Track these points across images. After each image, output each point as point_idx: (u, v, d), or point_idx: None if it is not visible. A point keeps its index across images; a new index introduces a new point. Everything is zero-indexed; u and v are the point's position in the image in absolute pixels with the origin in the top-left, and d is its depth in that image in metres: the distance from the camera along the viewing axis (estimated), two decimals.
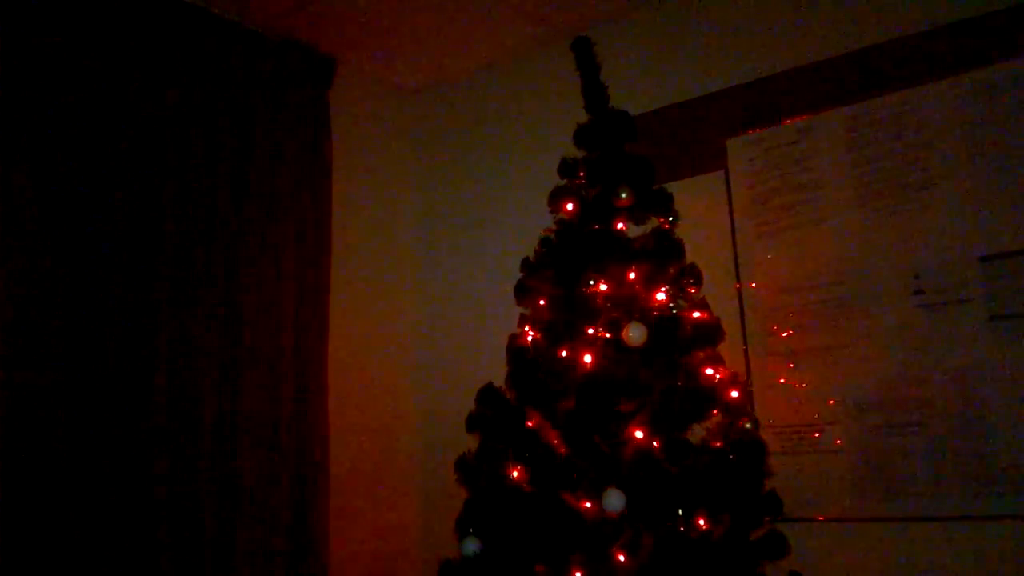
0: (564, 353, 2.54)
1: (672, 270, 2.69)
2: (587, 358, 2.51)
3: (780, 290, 2.92)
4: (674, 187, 3.06)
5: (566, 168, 2.80)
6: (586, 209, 2.74)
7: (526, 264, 2.77)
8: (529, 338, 2.70)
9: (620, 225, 2.74)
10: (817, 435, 2.78)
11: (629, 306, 2.59)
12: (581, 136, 2.80)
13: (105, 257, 2.75)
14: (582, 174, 2.78)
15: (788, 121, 2.97)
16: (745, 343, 2.95)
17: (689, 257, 3.07)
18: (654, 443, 2.47)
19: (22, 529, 2.47)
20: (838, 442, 2.75)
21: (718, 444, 2.55)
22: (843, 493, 2.72)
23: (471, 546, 2.40)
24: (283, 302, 3.16)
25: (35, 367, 2.56)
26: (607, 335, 2.54)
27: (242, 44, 3.22)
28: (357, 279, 3.59)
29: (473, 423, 2.58)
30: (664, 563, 2.34)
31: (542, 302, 2.72)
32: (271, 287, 3.13)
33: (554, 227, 2.75)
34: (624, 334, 2.48)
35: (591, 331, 2.57)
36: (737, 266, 3.01)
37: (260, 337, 3.07)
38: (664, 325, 2.54)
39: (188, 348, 2.87)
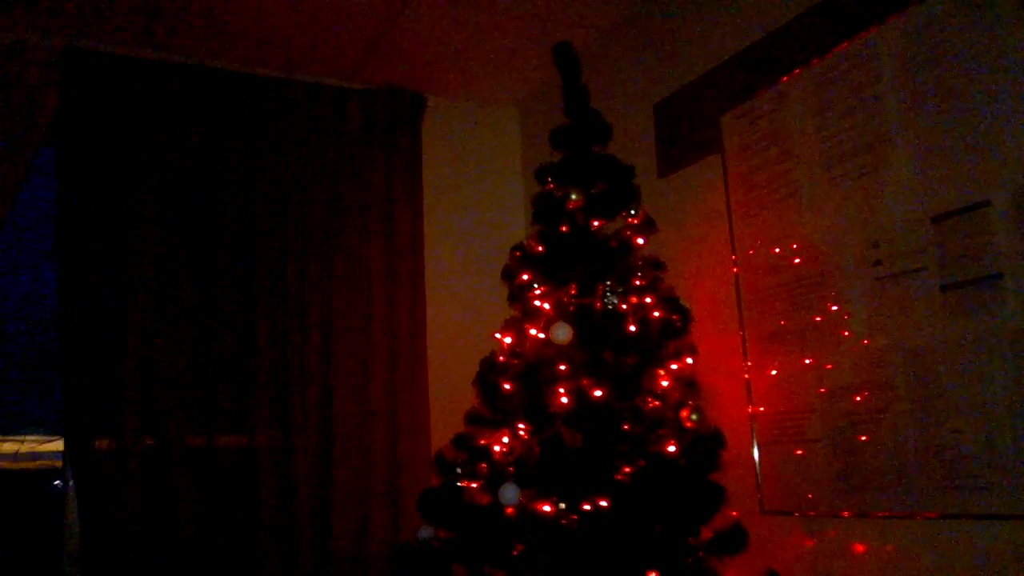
0: (501, 358, 2.70)
1: (620, 265, 2.71)
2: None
3: (766, 271, 2.75)
4: (684, 173, 3.05)
5: (539, 173, 2.93)
6: (554, 213, 2.86)
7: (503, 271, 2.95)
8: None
9: (596, 223, 2.81)
10: (800, 424, 2.60)
11: (565, 307, 2.69)
12: (555, 139, 2.92)
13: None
14: (549, 180, 2.89)
15: (765, 91, 2.78)
16: (742, 328, 2.82)
17: (690, 246, 3.04)
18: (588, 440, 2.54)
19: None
20: (816, 431, 2.55)
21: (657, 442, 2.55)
22: (821, 486, 2.52)
23: (425, 532, 2.68)
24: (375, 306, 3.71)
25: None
26: (542, 335, 2.66)
27: (328, 97, 3.77)
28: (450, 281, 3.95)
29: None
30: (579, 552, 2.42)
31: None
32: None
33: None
34: (549, 333, 2.59)
35: (532, 332, 2.71)
36: (733, 250, 2.88)
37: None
38: (590, 323, 2.60)
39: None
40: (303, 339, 3.57)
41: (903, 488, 2.28)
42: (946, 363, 2.19)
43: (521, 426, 2.65)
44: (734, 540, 2.54)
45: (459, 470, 2.68)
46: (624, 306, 2.66)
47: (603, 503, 2.42)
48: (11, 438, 4.86)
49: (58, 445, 3.46)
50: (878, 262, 2.38)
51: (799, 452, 2.59)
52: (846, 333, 2.47)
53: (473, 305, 3.85)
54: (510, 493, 2.44)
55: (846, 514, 2.45)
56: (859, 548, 2.43)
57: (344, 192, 3.75)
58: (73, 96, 3.35)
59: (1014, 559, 2.01)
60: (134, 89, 3.45)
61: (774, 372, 2.70)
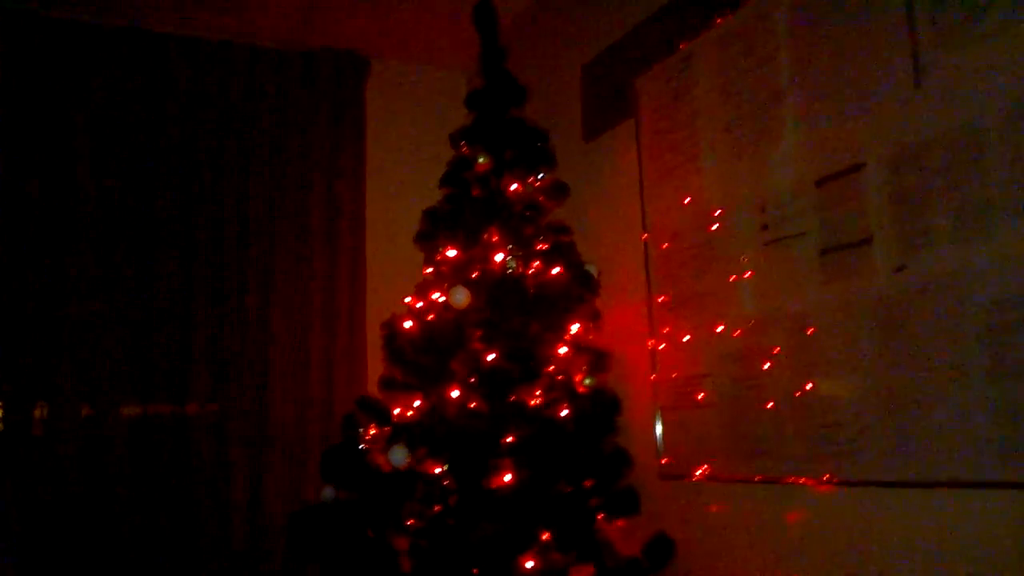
0: (407, 323, 2.70)
1: (529, 230, 2.71)
2: (407, 323, 2.65)
3: (671, 238, 2.73)
4: (606, 138, 3.03)
5: (452, 137, 2.92)
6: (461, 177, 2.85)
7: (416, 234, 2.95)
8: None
9: (517, 187, 2.80)
10: (696, 390, 2.59)
11: (469, 270, 2.69)
12: (470, 101, 2.90)
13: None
14: (462, 143, 2.88)
15: (675, 52, 2.74)
16: (649, 295, 2.81)
17: (607, 212, 3.02)
18: (484, 404, 2.55)
19: None
20: (709, 397, 2.54)
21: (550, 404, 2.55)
22: (713, 451, 2.52)
23: (328, 493, 2.71)
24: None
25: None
26: (443, 299, 2.67)
27: (265, 61, 3.76)
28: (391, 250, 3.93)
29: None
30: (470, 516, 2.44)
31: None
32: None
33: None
34: (448, 296, 2.59)
35: (434, 296, 2.71)
36: (643, 216, 2.86)
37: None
38: (488, 287, 2.60)
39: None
40: (240, 309, 3.59)
41: (784, 453, 2.27)
42: (822, 328, 2.17)
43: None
44: (625, 503, 2.57)
45: (360, 431, 2.70)
46: (527, 271, 2.66)
47: (492, 465, 2.43)
48: None
49: None
50: (765, 227, 2.36)
51: (694, 418, 2.59)
52: (736, 299, 2.45)
53: (415, 274, 3.84)
54: (398, 455, 2.46)
55: (736, 478, 2.44)
56: (747, 513, 2.42)
57: (285, 158, 3.77)
58: (11, 60, 3.37)
59: (883, 525, 2.00)
60: (72, 53, 3.46)
61: (676, 339, 2.68)
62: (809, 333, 2.20)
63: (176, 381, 3.49)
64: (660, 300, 2.75)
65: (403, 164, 4.02)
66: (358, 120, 3.93)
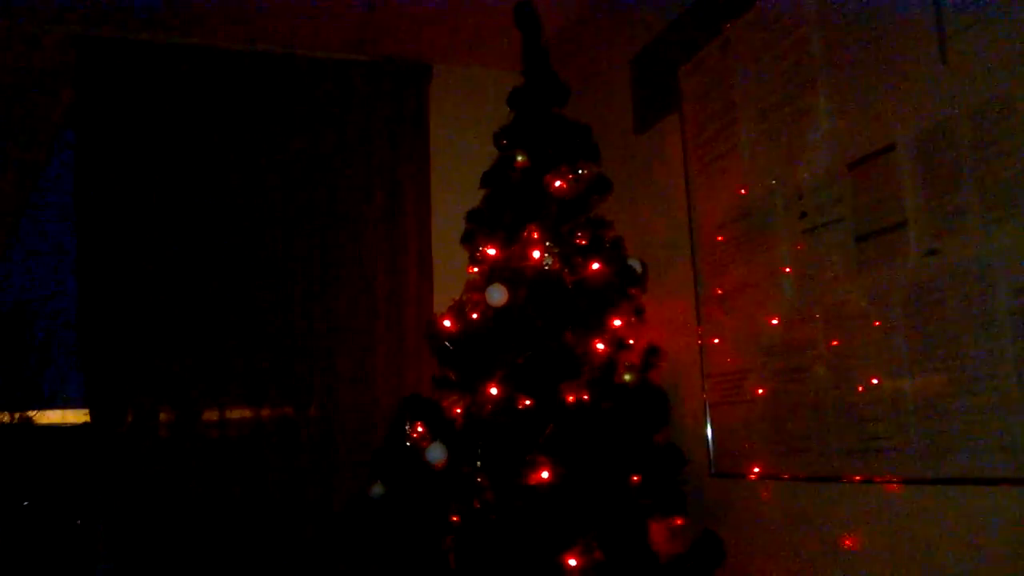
0: (447, 323, 2.73)
1: (568, 226, 2.70)
2: (446, 323, 2.68)
3: (716, 229, 2.67)
4: (656, 130, 3.00)
5: (495, 137, 2.93)
6: (499, 175, 2.86)
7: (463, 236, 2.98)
8: None
9: (558, 184, 2.79)
10: (741, 385, 2.52)
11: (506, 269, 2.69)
12: (512, 100, 2.91)
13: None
14: (504, 142, 2.89)
15: (714, 40, 2.68)
16: (696, 289, 2.75)
17: (656, 205, 2.98)
18: (526, 402, 2.55)
19: None
20: (754, 392, 2.47)
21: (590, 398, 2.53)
22: (758, 447, 2.45)
23: (377, 490, 2.76)
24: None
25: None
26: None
27: (329, 72, 3.87)
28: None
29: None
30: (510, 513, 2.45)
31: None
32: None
33: None
34: (485, 295, 2.61)
35: (476, 295, 2.73)
36: (689, 208, 2.80)
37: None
38: (525, 285, 2.59)
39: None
40: (309, 316, 3.69)
41: (826, 450, 2.18)
42: (858, 318, 2.08)
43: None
44: (671, 501, 2.52)
45: (407, 429, 2.74)
46: (565, 268, 2.64)
47: (528, 462, 2.42)
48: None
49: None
50: (803, 214, 2.27)
51: (741, 414, 2.52)
52: (777, 290, 2.37)
53: None
54: (435, 452, 2.48)
55: (781, 475, 2.36)
56: (793, 511, 2.34)
57: (349, 168, 3.84)
58: (88, 82, 3.57)
59: (924, 523, 1.90)
60: (144, 72, 3.64)
61: (723, 332, 2.62)
62: (844, 324, 2.11)
63: (251, 386, 3.61)
64: (707, 293, 2.69)
65: (467, 166, 3.98)
66: (421, 126, 3.99)
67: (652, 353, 2.69)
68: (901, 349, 1.94)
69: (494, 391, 2.56)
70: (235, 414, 3.63)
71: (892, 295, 1.97)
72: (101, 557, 3.45)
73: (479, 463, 2.45)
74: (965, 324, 1.78)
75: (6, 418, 5.50)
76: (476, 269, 2.86)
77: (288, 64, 3.83)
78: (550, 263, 2.60)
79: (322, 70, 3.87)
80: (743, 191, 2.52)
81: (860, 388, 2.06)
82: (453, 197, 3.91)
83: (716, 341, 2.65)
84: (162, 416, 3.50)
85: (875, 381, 2.01)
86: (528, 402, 2.52)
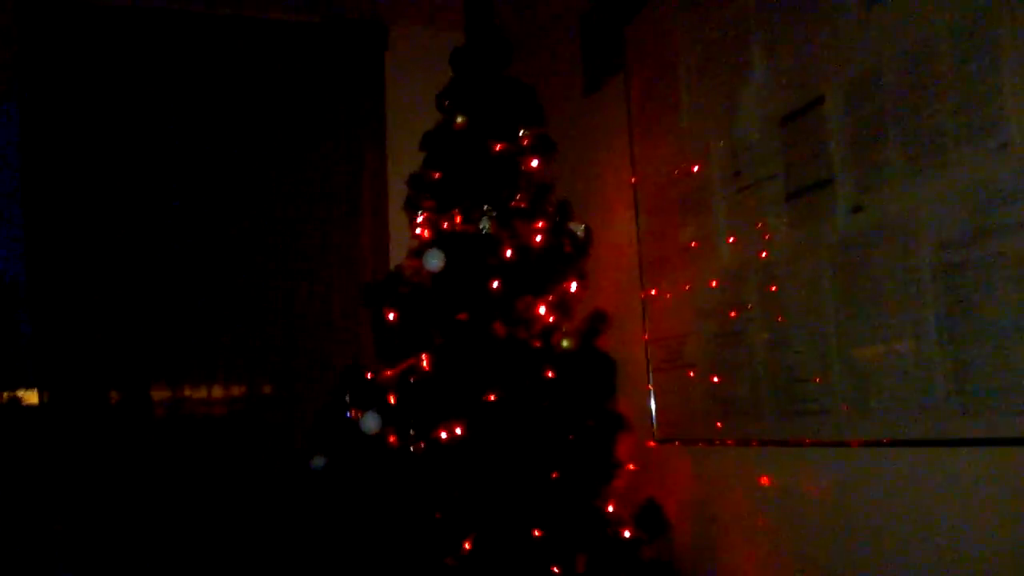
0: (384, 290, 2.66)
1: (503, 189, 2.62)
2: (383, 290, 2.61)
3: (658, 191, 2.59)
4: (604, 91, 2.91)
5: (437, 99, 2.85)
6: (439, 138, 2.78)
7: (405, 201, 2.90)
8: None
9: (498, 146, 2.72)
10: (680, 349, 2.46)
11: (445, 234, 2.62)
12: (453, 60, 2.83)
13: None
14: (446, 104, 2.81)
15: None
16: (639, 250, 2.68)
17: (602, 167, 2.90)
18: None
19: None
20: (692, 355, 2.41)
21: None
22: (697, 412, 2.39)
23: (318, 461, 2.70)
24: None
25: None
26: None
27: (281, 33, 3.77)
28: None
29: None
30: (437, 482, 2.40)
31: None
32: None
33: None
34: (422, 260, 2.54)
35: (412, 260, 2.67)
36: (633, 168, 2.72)
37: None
38: (463, 250, 2.53)
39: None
40: (262, 289, 3.62)
41: (759, 413, 2.12)
42: (788, 279, 2.01)
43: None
44: (602, 471, 2.46)
45: (347, 399, 2.68)
46: (504, 232, 2.57)
47: (458, 430, 2.37)
48: None
49: None
50: (737, 172, 2.20)
51: (680, 378, 2.46)
52: (714, 251, 2.30)
53: None
54: (368, 421, 2.43)
55: (716, 441, 2.30)
56: (730, 476, 2.29)
57: (304, 133, 3.76)
58: (31, 46, 3.47)
59: (856, 485, 1.85)
60: (91, 35, 3.54)
61: (665, 296, 2.55)
62: (776, 286, 2.05)
63: (206, 365, 3.56)
64: (649, 256, 2.62)
65: (425, 130, 3.96)
66: (377, 88, 3.89)
67: (598, 319, 2.62)
68: (829, 310, 1.87)
69: (424, 363, 2.49)
70: (190, 393, 3.58)
71: (820, 254, 1.90)
72: (58, 539, 3.40)
73: (411, 432, 2.40)
74: (890, 282, 1.71)
75: None
76: (418, 233, 2.79)
77: (239, 26, 3.73)
78: (487, 227, 2.52)
79: (274, 32, 3.77)
80: (683, 151, 2.44)
81: (791, 351, 1.99)
82: (410, 162, 3.83)
83: (658, 305, 2.58)
84: (112, 396, 3.44)
85: (805, 343, 1.95)
86: (457, 369, 2.46)
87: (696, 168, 2.37)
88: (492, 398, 2.41)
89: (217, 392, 3.60)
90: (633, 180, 2.70)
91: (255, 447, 3.56)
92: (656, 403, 2.58)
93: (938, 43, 1.60)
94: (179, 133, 3.64)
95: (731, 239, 2.23)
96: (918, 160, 1.64)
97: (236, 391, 3.61)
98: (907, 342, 1.66)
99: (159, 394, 3.52)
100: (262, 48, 3.75)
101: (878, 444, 1.75)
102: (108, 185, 3.52)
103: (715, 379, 2.28)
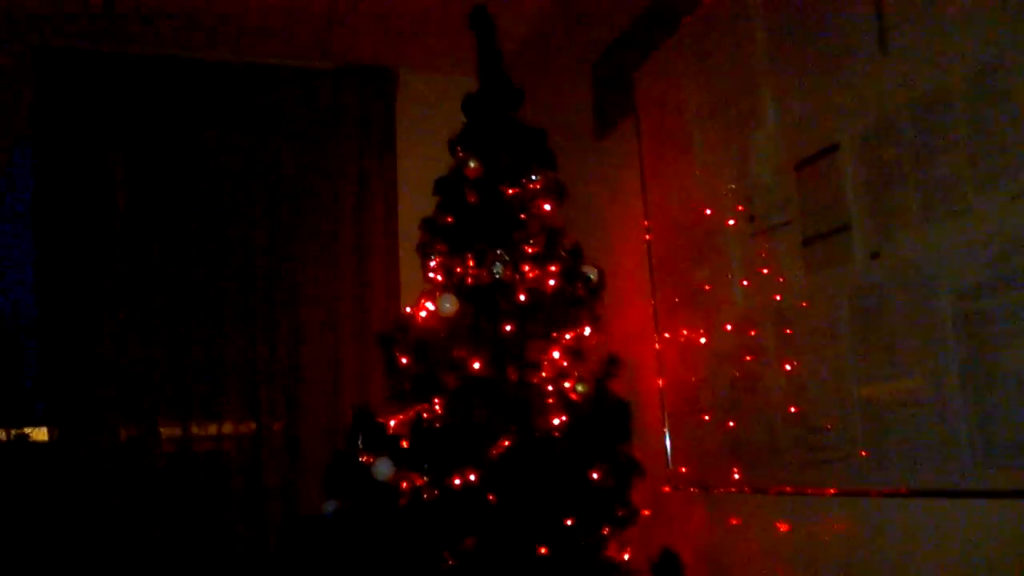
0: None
1: (513, 233, 2.62)
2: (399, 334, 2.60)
3: (671, 234, 2.59)
4: (615, 134, 2.93)
5: (450, 144, 2.86)
6: (452, 183, 2.79)
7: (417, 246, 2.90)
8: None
9: (511, 191, 2.72)
10: (696, 395, 2.44)
11: (459, 278, 2.62)
12: (466, 106, 2.84)
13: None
14: (458, 149, 2.82)
15: (666, 41, 2.61)
16: (654, 295, 2.67)
17: (615, 210, 2.90)
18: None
19: None
20: (708, 402, 2.39)
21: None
22: (713, 459, 2.36)
23: (330, 505, 2.67)
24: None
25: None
26: (433, 307, 2.61)
27: (293, 79, 3.81)
28: None
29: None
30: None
31: None
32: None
33: None
34: (436, 306, 2.54)
35: (426, 304, 2.66)
36: (646, 212, 2.73)
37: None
38: (476, 294, 2.52)
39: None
40: (272, 327, 3.63)
41: (777, 461, 2.10)
42: (805, 325, 2.00)
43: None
44: (618, 517, 2.43)
45: (360, 444, 2.66)
46: (516, 276, 2.57)
47: (471, 477, 2.35)
48: None
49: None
50: (752, 218, 2.20)
51: (696, 425, 2.44)
52: (729, 296, 2.29)
53: None
54: (382, 468, 2.41)
55: (733, 489, 2.28)
56: (748, 524, 2.26)
57: (315, 178, 3.79)
58: (48, 94, 3.52)
59: (873, 535, 1.82)
60: (104, 83, 3.59)
61: (680, 341, 2.54)
62: (792, 331, 2.03)
63: (212, 400, 3.55)
64: (663, 300, 2.61)
65: (435, 174, 3.97)
66: (388, 132, 3.93)
67: (612, 363, 2.61)
68: (847, 357, 1.86)
69: (437, 408, 2.48)
70: (199, 430, 3.57)
71: (838, 300, 1.89)
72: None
73: (425, 478, 2.38)
74: (908, 329, 1.70)
75: (2, 435, 5.43)
76: (431, 277, 2.78)
77: (251, 73, 3.78)
78: (500, 272, 2.52)
79: (286, 78, 3.82)
80: (695, 195, 2.44)
81: (808, 397, 1.98)
82: (420, 206, 3.84)
83: (673, 350, 2.57)
84: (123, 432, 3.43)
85: (822, 390, 1.93)
86: (469, 414, 2.45)
87: (709, 212, 2.37)
88: (505, 444, 2.39)
89: (227, 429, 3.59)
90: (645, 223, 2.70)
91: (262, 484, 3.54)
92: (672, 448, 2.56)
93: (953, 90, 1.60)
94: (190, 175, 3.67)
95: (745, 283, 2.22)
96: (935, 207, 1.63)
97: (244, 428, 3.60)
98: (927, 390, 1.65)
99: (168, 431, 3.51)
100: (275, 94, 3.80)
101: (897, 494, 1.72)
102: (118, 226, 3.55)
103: (731, 424, 2.26)
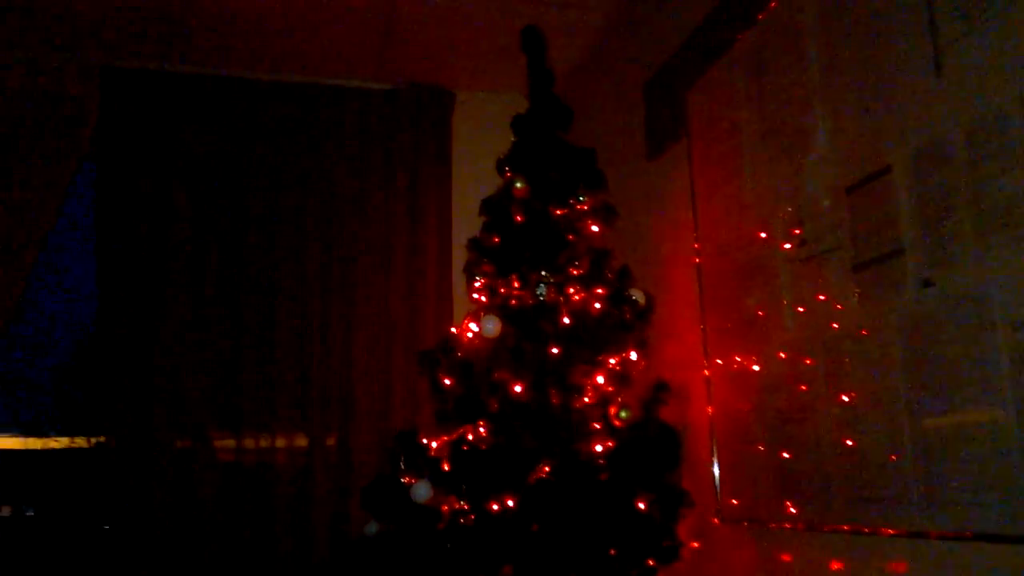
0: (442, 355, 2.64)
1: (559, 254, 2.58)
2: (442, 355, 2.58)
3: (719, 257, 2.53)
4: (668, 155, 2.89)
5: (498, 164, 2.85)
6: (498, 203, 2.77)
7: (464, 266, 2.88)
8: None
9: (557, 211, 2.70)
10: (746, 425, 2.36)
11: (503, 299, 2.60)
12: (515, 125, 2.83)
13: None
14: (507, 168, 2.80)
15: (719, 60, 2.55)
16: (703, 321, 2.60)
17: (666, 233, 2.85)
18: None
19: None
20: (757, 433, 2.31)
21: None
22: (762, 492, 2.28)
23: (371, 528, 2.66)
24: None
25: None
26: (476, 328, 2.58)
27: (351, 99, 3.84)
28: None
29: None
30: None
31: None
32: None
33: None
34: (480, 327, 2.52)
35: (471, 326, 2.64)
36: (696, 235, 2.66)
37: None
38: (519, 316, 2.49)
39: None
40: (325, 342, 3.65)
41: (826, 497, 2.01)
42: (857, 355, 1.91)
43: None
44: (664, 548, 2.36)
45: (402, 465, 2.64)
46: (561, 298, 2.53)
47: (509, 503, 2.30)
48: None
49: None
50: (803, 242, 2.12)
51: (747, 455, 2.35)
52: (779, 322, 2.21)
53: None
54: (421, 490, 2.39)
55: (787, 525, 2.19)
56: (799, 560, 2.17)
57: (370, 197, 3.81)
58: (112, 111, 3.61)
59: None
60: (166, 101, 3.67)
61: (730, 368, 2.47)
62: (845, 361, 1.95)
63: (264, 413, 3.58)
64: (713, 326, 2.54)
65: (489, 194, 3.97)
66: (444, 153, 3.93)
67: (660, 388, 2.55)
68: (899, 390, 1.77)
69: (483, 428, 2.45)
70: (250, 443, 3.60)
71: (890, 330, 1.80)
72: None
73: (463, 502, 2.34)
74: (963, 363, 1.61)
75: (58, 444, 5.61)
76: (475, 298, 2.76)
77: (310, 92, 3.82)
78: (544, 293, 2.48)
79: (344, 98, 3.85)
80: (746, 217, 2.37)
81: (860, 431, 1.89)
82: (474, 225, 3.83)
83: (724, 377, 2.49)
84: (177, 443, 3.48)
85: (874, 424, 1.84)
86: (511, 438, 2.41)
87: (760, 235, 2.30)
88: (547, 469, 2.35)
89: (279, 443, 3.61)
90: (696, 246, 2.63)
91: (311, 498, 3.55)
92: (721, 480, 2.48)
93: (1008, 112, 1.52)
94: (247, 192, 3.71)
95: (798, 309, 2.14)
96: (989, 234, 1.55)
97: (296, 442, 3.62)
98: (984, 426, 1.55)
99: (221, 443, 3.55)
100: (332, 114, 3.83)
101: (950, 537, 1.62)
102: (176, 241, 3.60)
103: (783, 456, 2.17)
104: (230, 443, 3.59)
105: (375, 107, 3.87)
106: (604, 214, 2.66)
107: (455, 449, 2.40)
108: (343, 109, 3.84)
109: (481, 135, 4.02)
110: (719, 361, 2.51)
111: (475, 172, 3.90)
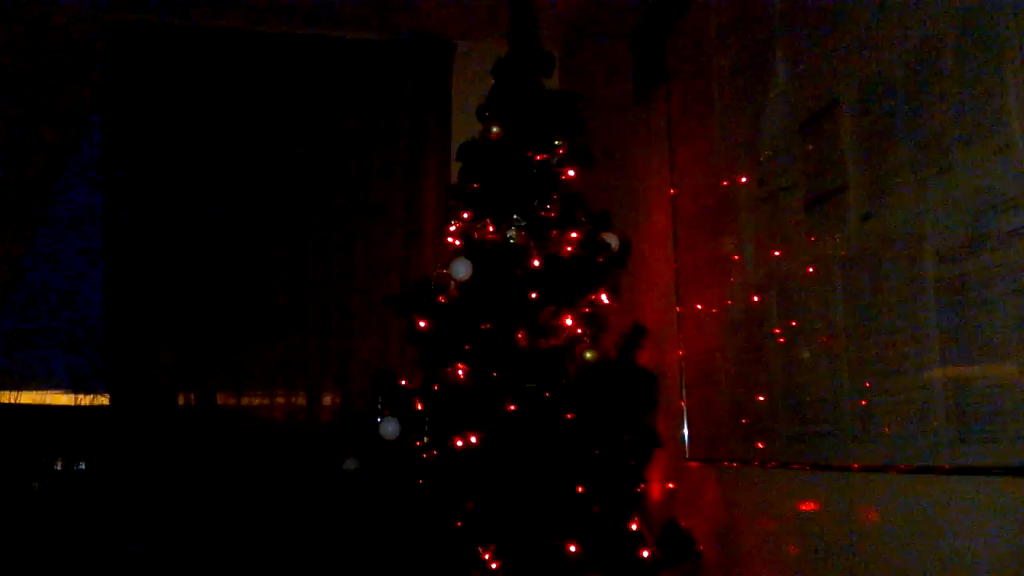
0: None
1: (535, 202, 2.60)
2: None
3: (694, 199, 2.52)
4: (653, 100, 2.89)
5: (478, 111, 2.86)
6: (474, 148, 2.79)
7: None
8: None
9: (538, 158, 2.70)
10: (709, 365, 2.37)
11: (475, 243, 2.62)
12: (495, 70, 2.83)
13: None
14: (486, 114, 2.81)
15: (695, 4, 2.53)
16: (676, 264, 2.61)
17: (647, 179, 2.85)
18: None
19: None
20: (719, 372, 2.32)
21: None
22: (723, 431, 2.29)
23: (350, 464, 2.73)
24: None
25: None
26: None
27: (354, 50, 3.86)
28: None
29: None
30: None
31: None
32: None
33: None
34: (450, 269, 2.54)
35: (444, 270, 2.67)
36: (672, 179, 2.65)
37: None
38: (489, 259, 2.51)
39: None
40: (324, 301, 3.70)
41: (776, 434, 2.02)
42: (804, 291, 1.91)
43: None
44: (631, 487, 2.39)
45: (379, 405, 2.70)
46: (532, 242, 2.55)
47: (472, 439, 2.35)
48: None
49: None
50: (762, 181, 2.11)
51: (709, 396, 2.37)
52: (741, 263, 2.21)
53: None
54: (389, 427, 2.44)
55: (737, 463, 2.21)
56: (756, 497, 2.18)
57: (370, 150, 3.82)
58: (116, 65, 3.66)
59: (863, 512, 1.73)
60: (171, 55, 3.71)
61: (698, 310, 2.47)
62: (794, 298, 1.95)
63: (269, 371, 3.66)
64: (684, 269, 2.54)
65: None
66: (444, 105, 3.93)
67: (637, 332, 2.56)
68: (839, 325, 1.77)
69: (460, 372, 2.49)
70: (253, 400, 3.67)
71: (833, 265, 1.80)
72: (126, 538, 3.52)
73: (426, 439, 2.39)
74: (895, 295, 1.60)
75: (69, 400, 5.76)
76: (450, 242, 2.79)
77: (312, 44, 3.83)
78: (514, 237, 2.50)
79: (346, 49, 3.86)
80: (716, 160, 2.36)
81: (804, 368, 1.89)
82: None
83: (692, 319, 2.50)
84: (179, 399, 3.56)
85: (816, 361, 1.84)
86: (479, 379, 2.45)
87: (728, 176, 2.29)
88: (512, 408, 2.38)
89: (279, 398, 3.68)
90: (672, 191, 2.63)
91: (311, 451, 3.62)
92: (688, 421, 2.49)
93: (943, 40, 1.49)
94: (249, 147, 3.75)
95: (754, 250, 2.13)
96: (923, 164, 1.53)
97: (295, 399, 3.69)
98: (910, 362, 1.55)
99: (223, 399, 3.62)
100: (332, 65, 3.83)
101: (876, 470, 1.63)
102: (179, 197, 3.65)
103: (739, 397, 2.18)
104: (231, 400, 3.65)
105: (376, 58, 3.88)
106: (580, 159, 2.65)
107: (425, 388, 2.45)
108: (345, 60, 3.85)
109: (481, 86, 4.02)
110: (689, 305, 2.51)
111: (475, 123, 3.92)
